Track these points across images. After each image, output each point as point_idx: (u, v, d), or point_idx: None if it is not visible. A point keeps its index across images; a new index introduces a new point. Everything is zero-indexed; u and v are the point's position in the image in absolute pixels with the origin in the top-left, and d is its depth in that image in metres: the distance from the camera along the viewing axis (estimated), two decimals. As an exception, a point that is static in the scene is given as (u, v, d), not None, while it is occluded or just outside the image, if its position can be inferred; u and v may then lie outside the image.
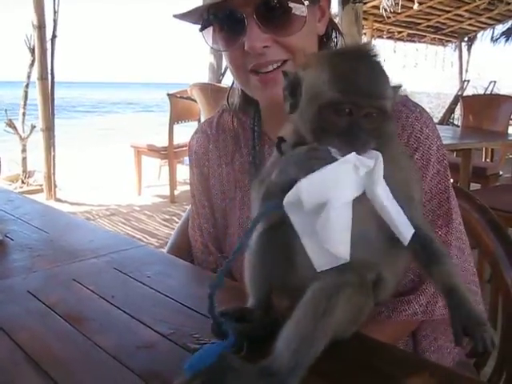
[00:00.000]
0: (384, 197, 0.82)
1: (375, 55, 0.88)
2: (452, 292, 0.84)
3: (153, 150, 6.75)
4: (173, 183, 6.77)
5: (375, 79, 0.87)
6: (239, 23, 1.24)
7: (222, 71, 7.87)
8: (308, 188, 0.79)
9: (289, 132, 0.96)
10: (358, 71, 0.85)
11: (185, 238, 1.64)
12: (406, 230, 0.82)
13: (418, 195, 0.96)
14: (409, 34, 12.91)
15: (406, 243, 0.83)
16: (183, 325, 1.07)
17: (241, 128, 1.52)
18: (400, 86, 0.93)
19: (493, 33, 13.25)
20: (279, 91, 1.30)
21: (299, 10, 1.25)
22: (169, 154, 6.58)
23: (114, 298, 1.20)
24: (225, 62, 8.04)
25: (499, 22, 12.60)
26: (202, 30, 1.33)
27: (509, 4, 10.64)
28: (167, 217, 6.08)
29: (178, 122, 6.61)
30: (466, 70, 14.21)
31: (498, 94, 9.10)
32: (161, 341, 1.01)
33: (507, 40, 13.14)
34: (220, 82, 7.72)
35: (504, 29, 12.96)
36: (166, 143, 6.56)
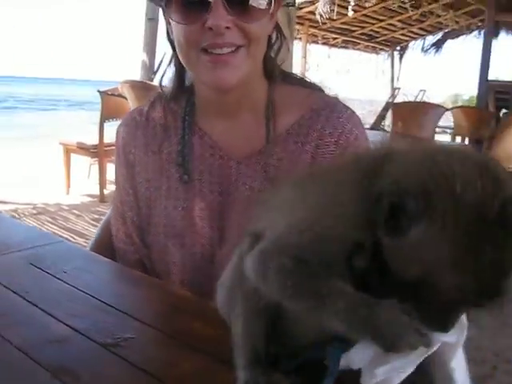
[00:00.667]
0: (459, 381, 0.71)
1: None
2: None
3: (82, 148, 6.60)
4: (103, 182, 6.64)
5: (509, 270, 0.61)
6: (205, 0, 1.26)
7: (155, 69, 7.81)
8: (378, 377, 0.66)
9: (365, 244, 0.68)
10: (493, 264, 0.60)
11: (108, 233, 1.60)
12: None
13: None
14: (343, 41, 13.17)
15: None
16: (99, 320, 1.05)
17: (172, 117, 1.50)
18: None
19: (423, 43, 13.69)
20: (227, 74, 1.31)
21: (262, 0, 1.29)
22: (99, 152, 6.45)
23: (29, 294, 1.16)
24: (157, 60, 8.03)
25: (430, 33, 13.03)
26: (163, 2, 1.32)
27: (439, 16, 11.00)
28: (96, 216, 5.96)
29: (108, 120, 6.48)
30: (398, 78, 14.61)
31: (426, 102, 9.36)
32: (73, 336, 0.99)
33: (437, 51, 13.58)
34: (152, 80, 7.63)
35: (434, 40, 13.40)
36: (96, 141, 6.43)
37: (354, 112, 1.39)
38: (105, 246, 1.59)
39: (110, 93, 6.46)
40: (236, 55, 1.29)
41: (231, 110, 1.42)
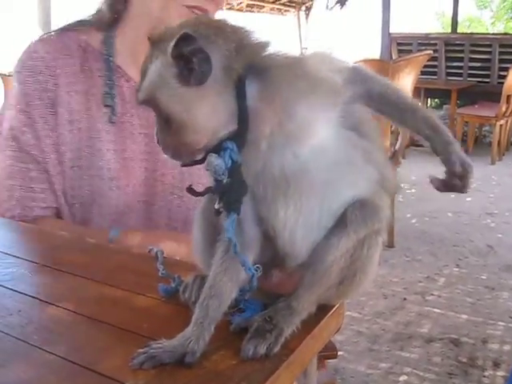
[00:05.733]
0: None
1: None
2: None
3: None
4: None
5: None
6: None
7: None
8: None
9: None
10: None
11: None
12: None
13: None
14: (248, 5, 13.08)
15: None
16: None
17: (92, 57, 1.49)
18: None
19: (328, 1, 13.73)
20: None
21: None
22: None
23: None
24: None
25: (332, -10, 13.10)
26: None
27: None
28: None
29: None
30: (306, 38, 14.69)
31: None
32: None
33: (342, 7, 13.65)
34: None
35: (337, -4, 13.46)
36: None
37: None
38: None
39: (8, 74, 6.18)
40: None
41: None
